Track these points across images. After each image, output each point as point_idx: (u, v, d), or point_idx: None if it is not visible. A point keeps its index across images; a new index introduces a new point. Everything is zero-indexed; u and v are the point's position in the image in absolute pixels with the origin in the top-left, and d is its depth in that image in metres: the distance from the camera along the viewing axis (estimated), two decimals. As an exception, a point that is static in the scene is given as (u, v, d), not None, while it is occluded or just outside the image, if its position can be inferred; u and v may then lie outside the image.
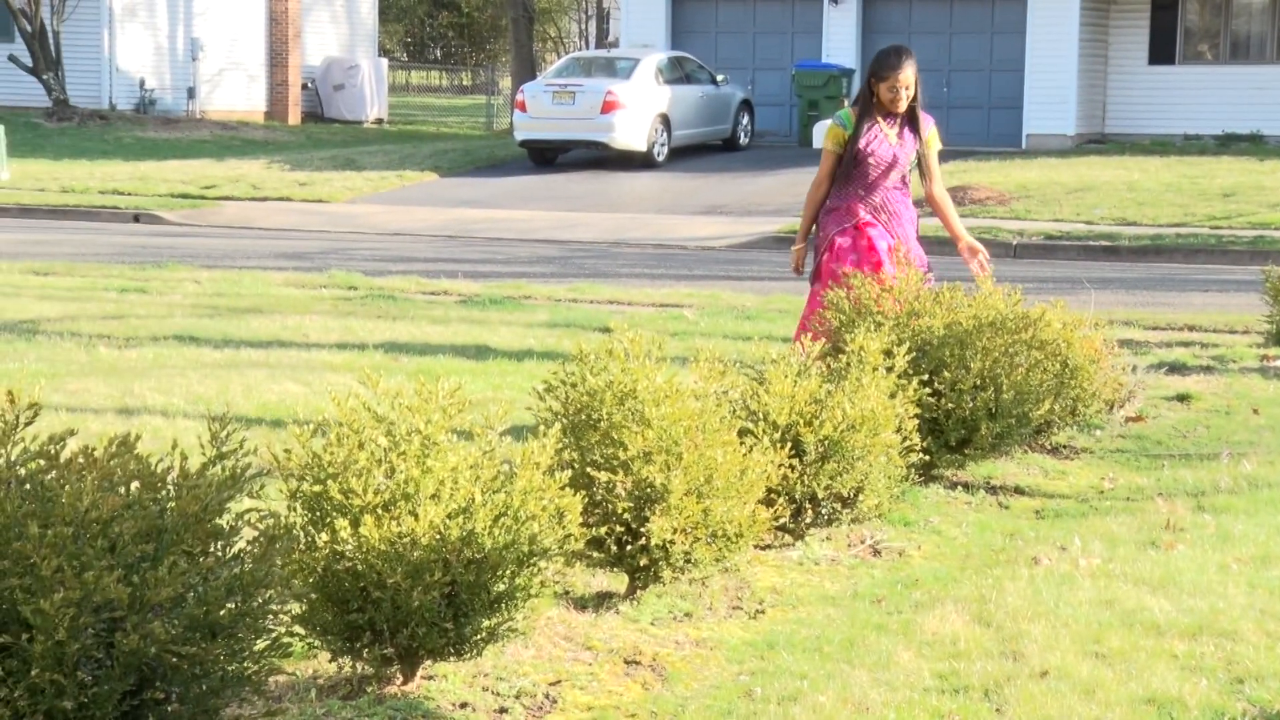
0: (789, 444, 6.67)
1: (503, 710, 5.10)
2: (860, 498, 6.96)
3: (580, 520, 5.42)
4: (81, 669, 4.10)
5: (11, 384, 4.89)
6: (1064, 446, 9.06)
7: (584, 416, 6.06)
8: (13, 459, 4.22)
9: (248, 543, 4.48)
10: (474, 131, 40.08)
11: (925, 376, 7.64)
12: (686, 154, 30.09)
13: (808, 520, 6.91)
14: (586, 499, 5.72)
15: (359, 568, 4.97)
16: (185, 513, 4.33)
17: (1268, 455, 8.80)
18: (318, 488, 5.04)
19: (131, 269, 17.23)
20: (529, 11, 40.79)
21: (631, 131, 28.79)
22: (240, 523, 4.48)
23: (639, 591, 6.16)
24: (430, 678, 5.25)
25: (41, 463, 4.25)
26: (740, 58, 33.42)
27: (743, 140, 31.75)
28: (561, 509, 5.31)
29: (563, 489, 5.34)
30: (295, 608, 4.95)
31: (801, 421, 6.77)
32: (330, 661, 5.23)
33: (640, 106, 28.91)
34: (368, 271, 17.30)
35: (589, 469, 5.91)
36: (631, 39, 34.02)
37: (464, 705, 5.11)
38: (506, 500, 5.14)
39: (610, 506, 5.91)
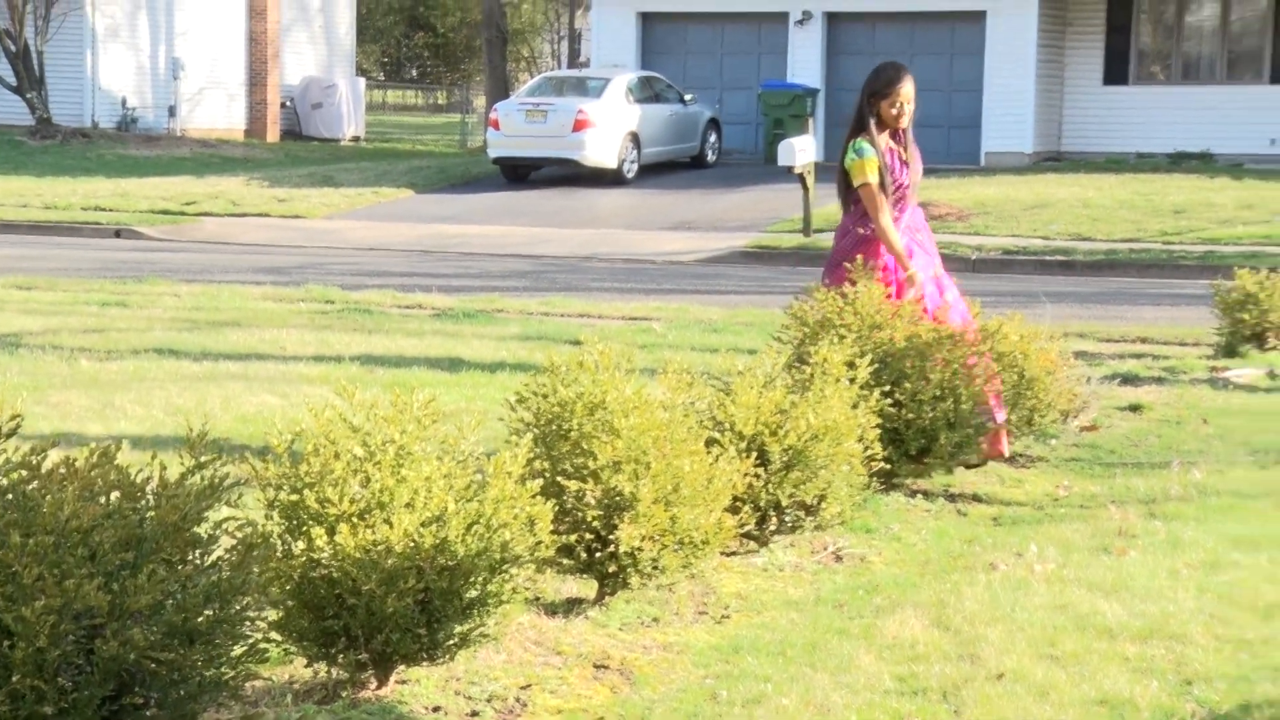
0: (754, 453, 6.68)
1: (474, 714, 5.10)
2: (823, 505, 6.97)
3: (551, 528, 5.42)
4: (62, 675, 4.09)
5: (-6, 396, 4.87)
6: (1020, 455, 9.08)
7: (555, 427, 6.07)
8: (-5, 469, 4.21)
9: (226, 551, 4.47)
10: (449, 149, 40.07)
11: (886, 387, 7.66)
12: (656, 171, 30.12)
13: (772, 528, 6.92)
14: (557, 507, 5.72)
15: (334, 575, 4.97)
16: (164, 522, 4.32)
17: (1216, 464, 8.84)
18: (294, 497, 5.04)
19: (112, 283, 17.17)
20: (503, 32, 40.79)
21: (602, 149, 28.82)
22: (218, 531, 4.47)
23: (608, 597, 6.17)
24: (404, 682, 5.24)
25: (23, 473, 4.24)
26: (708, 78, 33.48)
27: (710, 158, 31.80)
28: (533, 517, 5.31)
29: (534, 498, 5.34)
30: (272, 614, 4.94)
31: (767, 431, 6.78)
32: (306, 667, 5.22)
33: (611, 125, 28.94)
34: (344, 286, 17.28)
35: (559, 478, 5.91)
36: (602, 59, 34.05)
37: (437, 709, 5.11)
38: (479, 509, 5.15)
39: (580, 514, 5.92)
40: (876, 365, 7.69)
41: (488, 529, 5.13)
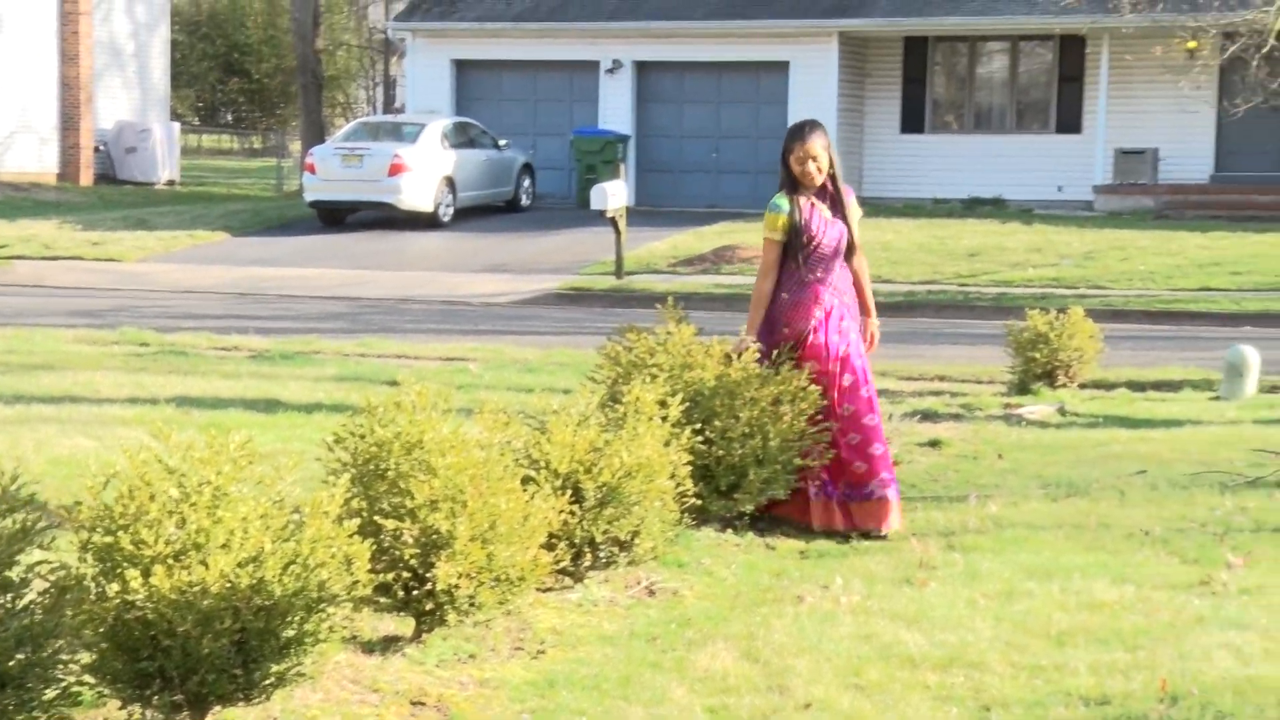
0: (569, 491, 6.68)
1: (292, 753, 5.02)
2: (637, 541, 6.99)
3: (368, 567, 5.36)
4: None
5: None
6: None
7: (372, 466, 6.01)
8: None
9: (38, 594, 4.36)
10: (265, 193, 39.58)
11: (698, 425, 7.70)
12: (471, 215, 30.06)
13: (587, 564, 6.91)
14: (374, 546, 5.65)
15: (150, 616, 4.86)
16: (-25, 566, 4.20)
17: (1011, 497, 9.03)
18: (109, 539, 4.92)
19: (-77, 326, 16.68)
20: (318, 78, 40.44)
21: (418, 193, 28.68)
22: (31, 575, 4.36)
23: (425, 635, 6.11)
24: (220, 723, 5.14)
25: None
26: (522, 124, 33.52)
27: (525, 202, 31.82)
28: (350, 556, 5.25)
29: (351, 537, 5.28)
30: (86, 657, 4.82)
31: (581, 469, 6.78)
32: (120, 709, 5.09)
33: (426, 169, 28.83)
34: (160, 328, 16.96)
35: (377, 517, 5.85)
36: (418, 105, 33.94)
37: (254, 749, 5.01)
38: (296, 548, 5.07)
39: (397, 553, 5.86)
40: (688, 404, 7.74)
41: (305, 568, 5.06)
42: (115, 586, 4.86)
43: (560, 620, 6.56)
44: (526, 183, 31.92)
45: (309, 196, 29.49)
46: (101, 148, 39.22)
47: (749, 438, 7.98)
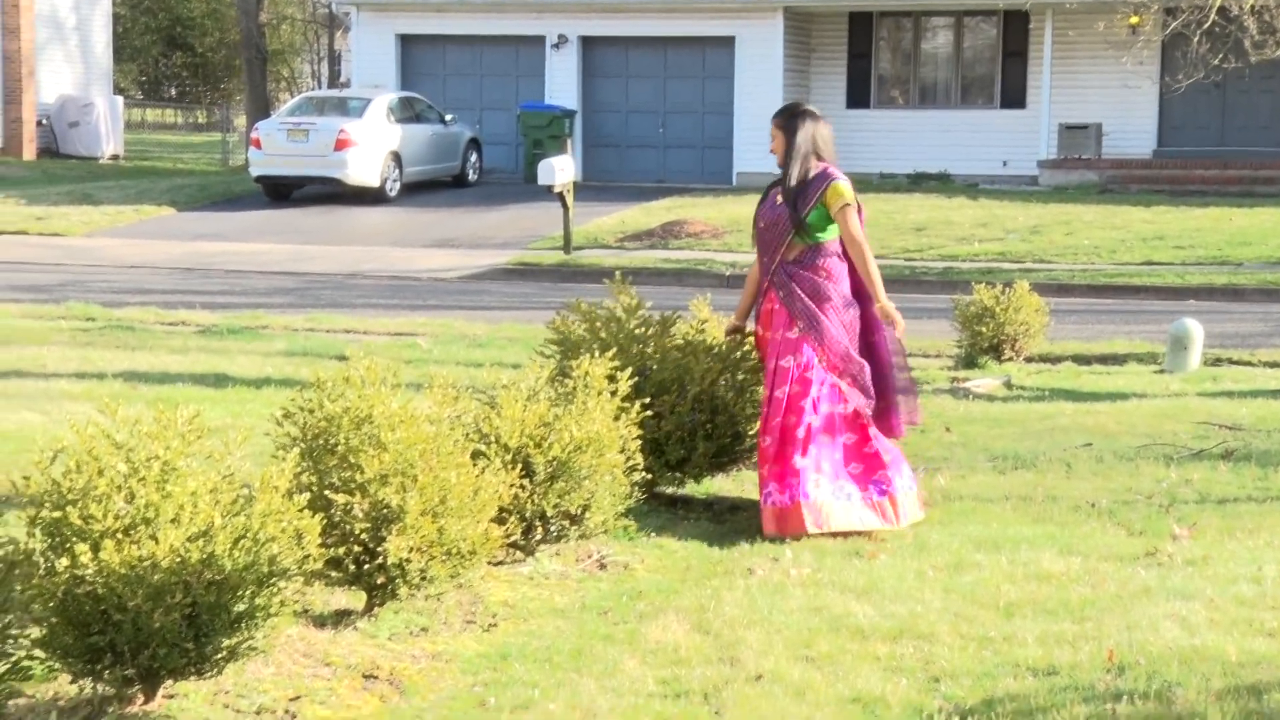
0: (520, 465, 6.67)
1: (244, 727, 5.00)
2: (587, 515, 6.98)
3: (319, 541, 5.34)
4: None
5: None
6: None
7: (322, 441, 5.98)
8: None
9: (-13, 569, 4.32)
10: (210, 168, 39.29)
11: (647, 399, 7.69)
12: (418, 190, 29.93)
13: (538, 537, 6.91)
14: (325, 520, 5.63)
15: (100, 591, 4.83)
16: (-77, 541, 4.16)
17: (959, 470, 9.07)
18: (57, 514, 4.89)
19: None
20: (262, 53, 40.14)
21: (364, 168, 28.54)
22: (-21, 550, 4.32)
23: (377, 608, 6.10)
24: (171, 696, 5.11)
25: None
26: (468, 99, 33.37)
27: (472, 177, 31.71)
28: (300, 530, 5.22)
29: (301, 511, 5.26)
30: (35, 632, 4.79)
31: (531, 443, 6.78)
32: (71, 683, 5.06)
33: (372, 144, 28.69)
34: (106, 303, 16.83)
35: (327, 491, 5.83)
36: (363, 80, 33.72)
37: (205, 723, 4.99)
38: (246, 523, 5.05)
39: (348, 527, 5.84)
40: (637, 378, 7.73)
41: (255, 543, 5.04)
42: (65, 561, 4.82)
43: (512, 593, 6.56)
44: (473, 158, 31.80)
45: (255, 171, 29.30)
46: (44, 122, 38.85)
47: (698, 411, 7.99)
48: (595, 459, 6.89)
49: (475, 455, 6.44)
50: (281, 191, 29.39)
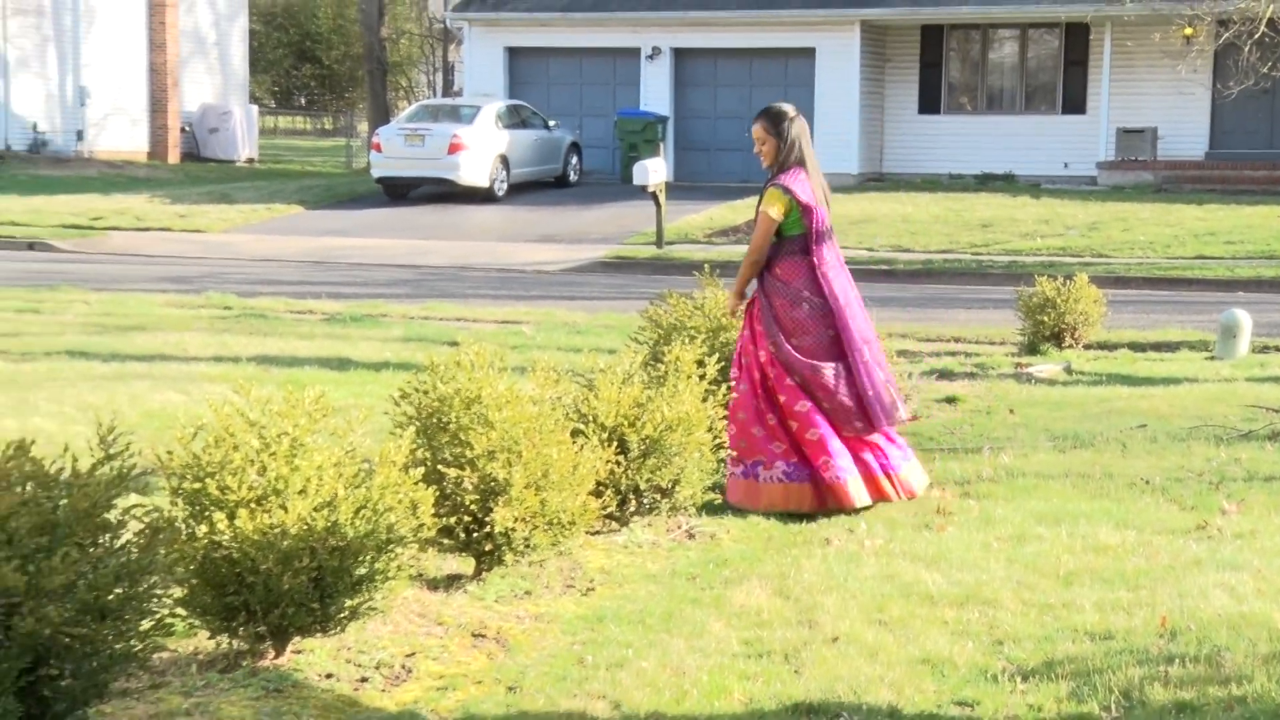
0: (615, 443, 6.67)
1: (364, 680, 5.04)
2: (677, 489, 6.98)
3: (432, 511, 5.38)
4: (-18, 650, 3.97)
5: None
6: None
7: (435, 420, 6.02)
8: (-83, 462, 4.08)
9: (134, 535, 4.38)
10: (335, 170, 39.60)
11: (731, 383, 7.67)
12: (523, 190, 30.01)
13: (632, 509, 6.91)
14: (438, 492, 5.67)
15: (235, 555, 4.89)
16: (76, 509, 4.22)
17: (1021, 449, 8.98)
18: (197, 485, 4.95)
19: (26, 291, 16.77)
20: (383, 65, 40.42)
21: (475, 170, 28.67)
22: (127, 517, 4.37)
23: (484, 573, 6.13)
24: (299, 652, 5.16)
25: (-56, 465, 4.11)
26: (570, 106, 33.42)
27: (572, 178, 31.76)
28: (415, 501, 5.26)
29: (416, 484, 5.29)
30: (177, 592, 4.85)
31: (626, 423, 6.78)
32: (209, 639, 5.13)
33: (482, 148, 28.80)
34: (241, 293, 17.01)
35: (440, 466, 5.86)
36: (474, 89, 33.87)
37: (329, 676, 5.04)
38: (366, 494, 5.09)
39: (459, 499, 5.87)
40: (723, 363, 7.71)
41: (375, 512, 5.08)
42: (203, 528, 4.88)
43: (608, 560, 6.57)
44: (574, 160, 31.85)
45: (376, 173, 29.50)
46: (187, 128, 39.34)
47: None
48: (684, 437, 6.89)
49: (575, 433, 6.45)
50: (399, 191, 29.58)
